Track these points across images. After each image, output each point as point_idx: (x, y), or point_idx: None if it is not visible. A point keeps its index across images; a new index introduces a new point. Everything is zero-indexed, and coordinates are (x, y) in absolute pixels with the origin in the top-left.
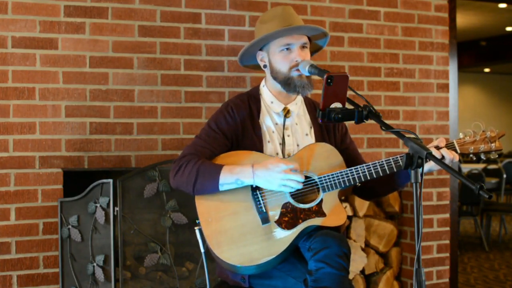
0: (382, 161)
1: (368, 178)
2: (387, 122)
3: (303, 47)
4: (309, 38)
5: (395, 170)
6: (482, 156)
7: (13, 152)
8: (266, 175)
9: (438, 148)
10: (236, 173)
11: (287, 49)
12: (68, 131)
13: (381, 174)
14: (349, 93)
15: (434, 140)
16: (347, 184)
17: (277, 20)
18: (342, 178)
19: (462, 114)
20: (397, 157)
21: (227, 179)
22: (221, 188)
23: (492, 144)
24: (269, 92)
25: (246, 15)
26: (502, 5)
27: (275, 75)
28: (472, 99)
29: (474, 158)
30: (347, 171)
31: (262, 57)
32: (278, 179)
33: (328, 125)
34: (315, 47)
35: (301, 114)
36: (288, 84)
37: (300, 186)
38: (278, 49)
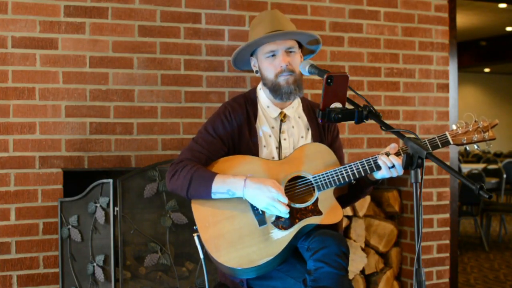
0: (375, 157)
1: (363, 174)
2: (387, 122)
3: (288, 51)
4: (299, 43)
5: None
6: (476, 146)
7: (13, 152)
8: (255, 192)
9: (388, 154)
10: (228, 183)
11: (272, 55)
12: (68, 131)
13: (375, 170)
14: (349, 93)
15: (387, 147)
16: (342, 181)
17: (262, 25)
18: (336, 176)
19: (462, 114)
20: (388, 152)
21: (220, 188)
22: (213, 196)
23: (485, 134)
24: (265, 96)
25: (246, 15)
26: (502, 5)
27: (264, 81)
28: (472, 99)
29: (468, 148)
30: (341, 169)
31: (253, 63)
32: (264, 202)
33: (323, 126)
34: (311, 48)
35: (298, 117)
36: (275, 90)
37: (284, 215)
38: (264, 56)
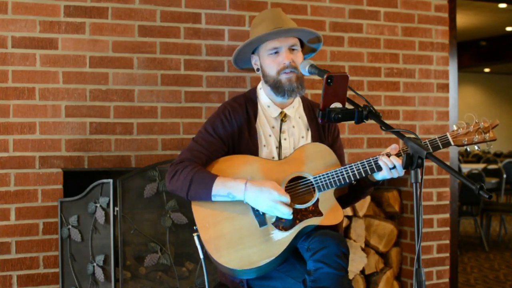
0: (376, 157)
1: (364, 175)
2: (387, 122)
3: (291, 49)
4: (301, 41)
5: None
6: (476, 147)
7: (13, 152)
8: (256, 195)
9: (388, 155)
10: (229, 187)
11: (275, 52)
12: (68, 131)
13: (376, 171)
14: (349, 93)
15: (387, 148)
16: (342, 182)
17: (265, 23)
18: (337, 176)
19: (462, 114)
20: (389, 153)
21: (220, 191)
22: (213, 198)
23: (486, 135)
24: (265, 96)
25: (246, 15)
26: (502, 5)
27: (266, 79)
28: (472, 99)
29: (469, 149)
30: (342, 169)
31: (255, 61)
32: (265, 204)
33: (323, 126)
34: (312, 47)
35: (298, 117)
36: (277, 87)
37: (288, 217)
38: (267, 53)
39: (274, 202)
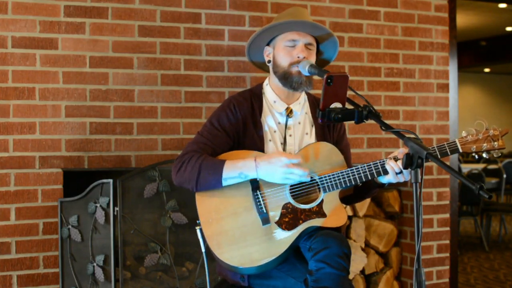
0: (383, 161)
1: (370, 178)
2: (387, 122)
3: (308, 46)
4: (317, 43)
5: None
6: (485, 155)
7: (13, 152)
8: (268, 168)
9: (396, 159)
10: (239, 167)
11: (292, 46)
12: (68, 131)
13: (382, 174)
14: (349, 93)
15: (395, 151)
16: (348, 184)
17: (288, 17)
18: (343, 178)
19: (462, 114)
20: (396, 157)
21: (231, 173)
22: (224, 182)
23: (495, 143)
24: (272, 91)
25: (246, 15)
26: (502, 5)
27: (276, 70)
28: (472, 99)
29: (476, 157)
30: (348, 171)
31: (268, 53)
32: (280, 172)
33: (328, 124)
34: (322, 55)
35: (305, 113)
36: (285, 78)
37: (305, 179)
38: (283, 44)
39: (287, 167)
